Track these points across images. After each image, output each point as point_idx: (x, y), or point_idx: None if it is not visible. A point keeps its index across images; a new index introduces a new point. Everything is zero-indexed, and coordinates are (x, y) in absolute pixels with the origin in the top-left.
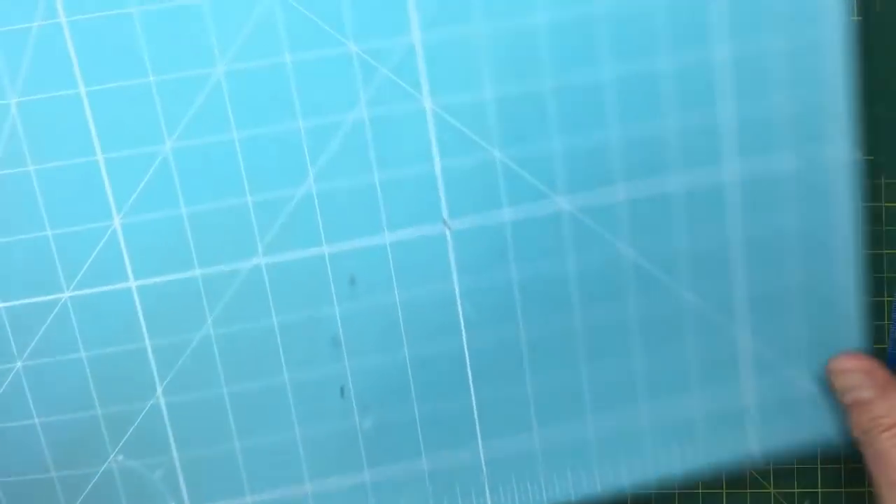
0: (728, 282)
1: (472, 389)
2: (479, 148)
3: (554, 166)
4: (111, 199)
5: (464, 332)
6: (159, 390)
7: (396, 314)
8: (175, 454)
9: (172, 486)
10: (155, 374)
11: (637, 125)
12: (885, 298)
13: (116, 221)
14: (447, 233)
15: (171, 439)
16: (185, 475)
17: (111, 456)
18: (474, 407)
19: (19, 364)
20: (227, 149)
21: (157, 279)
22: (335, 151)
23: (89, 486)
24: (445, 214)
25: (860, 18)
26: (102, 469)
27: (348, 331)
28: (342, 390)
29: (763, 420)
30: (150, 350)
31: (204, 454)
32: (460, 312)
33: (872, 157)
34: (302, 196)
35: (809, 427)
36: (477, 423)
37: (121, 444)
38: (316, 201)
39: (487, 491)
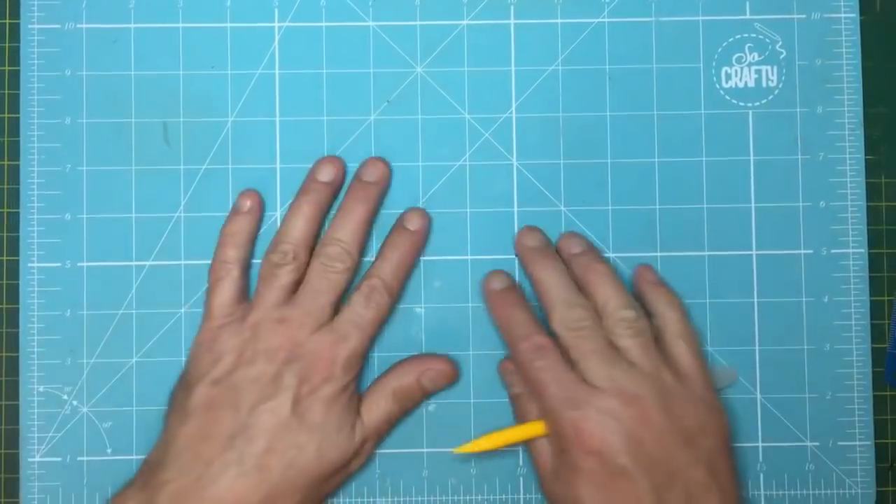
0: (746, 344)
1: None
2: (549, 202)
3: (606, 225)
4: (279, 196)
5: None
6: None
7: (467, 319)
8: None
9: None
10: None
11: (677, 204)
12: (885, 298)
13: (278, 213)
14: (516, 262)
15: None
16: None
17: None
18: None
19: (182, 310)
20: None
21: None
22: (441, 187)
23: None
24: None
25: (861, 18)
26: None
27: (428, 325)
28: None
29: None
30: None
31: None
32: None
33: (872, 157)
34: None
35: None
36: None
37: None
38: None
39: (522, 485)
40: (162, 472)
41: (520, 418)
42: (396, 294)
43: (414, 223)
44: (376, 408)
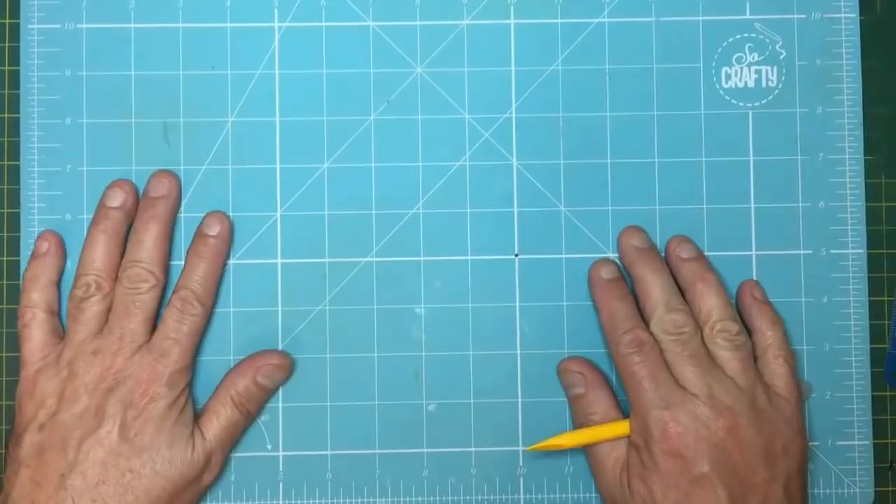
0: None
1: (519, 395)
2: (549, 202)
3: (606, 225)
4: (278, 196)
5: (519, 345)
6: (280, 347)
7: (468, 320)
8: (281, 404)
9: (273, 431)
10: (279, 333)
11: (677, 204)
12: (885, 298)
13: (278, 214)
14: (516, 262)
15: (280, 390)
16: (285, 424)
17: None
18: (520, 410)
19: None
20: (366, 173)
21: (297, 260)
22: (441, 187)
23: None
24: (516, 248)
25: (861, 18)
26: None
27: (428, 325)
28: (416, 374)
29: None
30: (280, 314)
31: (303, 408)
32: (518, 328)
33: (872, 158)
34: (411, 216)
35: None
36: (520, 425)
37: None
38: (421, 221)
39: (521, 485)
40: None
41: (580, 420)
42: (209, 302)
43: (213, 228)
44: (216, 418)
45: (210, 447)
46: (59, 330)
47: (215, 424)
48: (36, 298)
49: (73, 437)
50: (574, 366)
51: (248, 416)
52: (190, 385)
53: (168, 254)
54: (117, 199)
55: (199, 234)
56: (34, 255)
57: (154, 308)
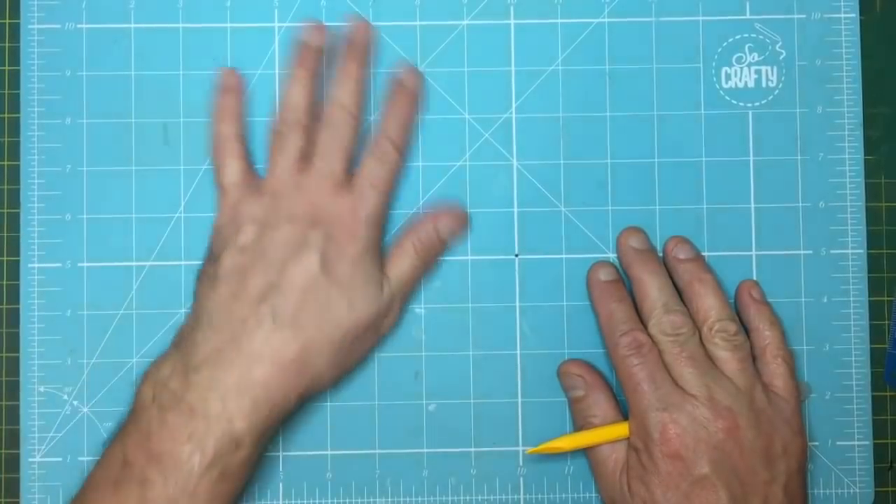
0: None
1: (519, 395)
2: (549, 202)
3: (606, 225)
4: None
5: (518, 346)
6: None
7: (468, 320)
8: None
9: None
10: None
11: (677, 204)
12: (885, 298)
13: None
14: (516, 262)
15: None
16: (285, 424)
17: None
18: (520, 410)
19: (182, 311)
20: None
21: None
22: (440, 188)
23: None
24: (516, 248)
25: (861, 18)
26: None
27: (428, 325)
28: (416, 374)
29: None
30: None
31: (303, 408)
32: (518, 328)
33: (872, 158)
34: (411, 216)
35: None
36: (520, 425)
37: None
38: None
39: (522, 485)
40: (195, 335)
41: (580, 422)
42: (404, 150)
43: (409, 82)
44: (400, 263)
45: (394, 292)
46: (251, 164)
47: (399, 270)
48: (230, 130)
49: (276, 260)
50: (574, 368)
51: (427, 265)
52: (383, 231)
53: (364, 96)
54: (317, 39)
55: (397, 88)
56: (224, 89)
57: (353, 148)
